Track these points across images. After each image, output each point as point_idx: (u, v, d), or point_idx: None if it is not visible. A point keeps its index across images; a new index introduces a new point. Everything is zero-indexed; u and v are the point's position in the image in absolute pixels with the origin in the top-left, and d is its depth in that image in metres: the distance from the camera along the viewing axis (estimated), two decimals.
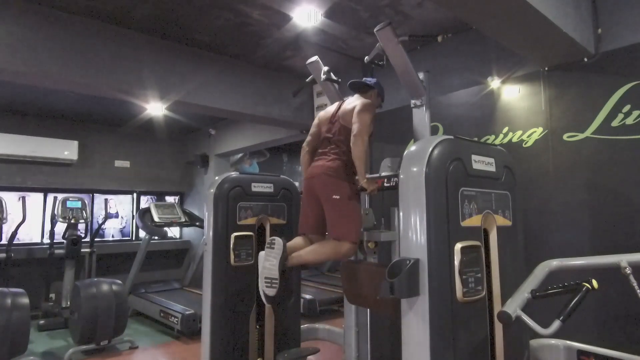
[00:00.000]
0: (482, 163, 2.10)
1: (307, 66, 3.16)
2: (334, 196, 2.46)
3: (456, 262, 1.86)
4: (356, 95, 2.72)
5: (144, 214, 6.26)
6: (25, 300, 3.79)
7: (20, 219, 5.46)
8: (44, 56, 3.38)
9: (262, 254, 2.49)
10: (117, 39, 3.76)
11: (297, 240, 2.66)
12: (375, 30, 2.52)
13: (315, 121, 2.84)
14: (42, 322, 5.34)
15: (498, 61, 3.47)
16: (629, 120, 2.76)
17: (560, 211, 3.03)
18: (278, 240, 2.45)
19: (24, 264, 5.97)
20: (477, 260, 1.95)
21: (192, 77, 4.21)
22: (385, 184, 2.63)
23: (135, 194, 7.54)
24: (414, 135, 2.74)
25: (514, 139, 3.32)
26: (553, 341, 2.58)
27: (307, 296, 5.76)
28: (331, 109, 2.78)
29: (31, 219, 5.91)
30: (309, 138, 2.83)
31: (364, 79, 2.79)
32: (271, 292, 2.42)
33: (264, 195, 3.34)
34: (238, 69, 4.58)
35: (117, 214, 7.37)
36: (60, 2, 3.35)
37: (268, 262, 2.43)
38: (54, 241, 5.72)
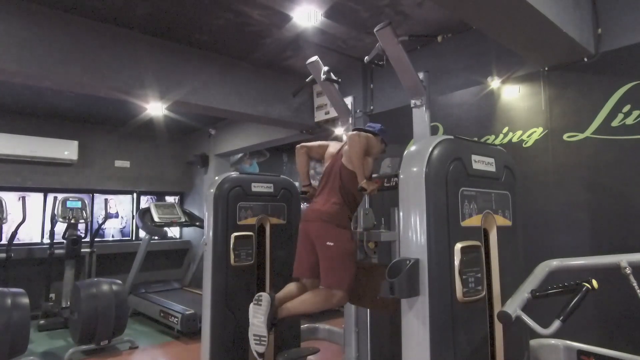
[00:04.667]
0: (482, 163, 2.10)
1: (307, 66, 3.16)
2: (328, 243, 2.45)
3: (456, 262, 1.86)
4: None
5: (144, 214, 6.26)
6: (25, 300, 3.79)
7: (20, 219, 5.46)
8: (44, 56, 3.38)
9: (251, 311, 2.45)
10: (117, 39, 3.76)
11: (290, 288, 2.63)
12: (375, 30, 2.53)
13: (325, 143, 2.86)
14: (42, 322, 5.34)
15: (498, 61, 3.47)
16: (629, 120, 2.75)
17: (560, 211, 3.02)
18: (265, 296, 2.41)
19: (24, 264, 5.97)
20: (477, 260, 1.95)
21: (192, 77, 4.21)
22: (385, 184, 2.64)
23: (135, 194, 7.54)
24: (414, 135, 2.74)
25: (514, 139, 3.32)
26: (553, 341, 2.58)
27: None
28: (337, 146, 2.81)
29: (31, 219, 5.91)
30: (308, 144, 2.84)
31: (367, 125, 2.83)
32: (260, 349, 2.39)
33: (264, 195, 3.34)
34: (238, 69, 4.58)
35: (117, 214, 7.37)
36: (60, 2, 3.35)
37: (256, 319, 2.39)
38: (54, 241, 5.71)
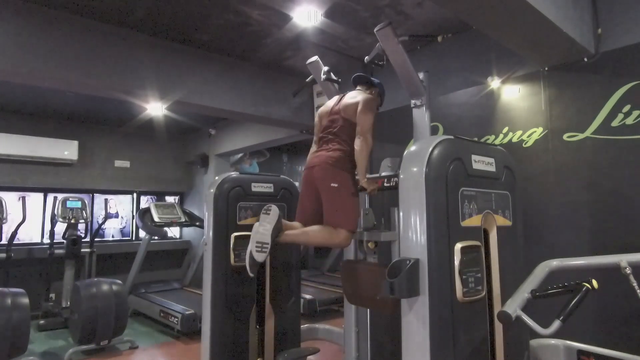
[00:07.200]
0: (482, 163, 2.10)
1: (307, 66, 3.16)
2: (332, 184, 2.45)
3: (456, 262, 1.86)
4: (357, 89, 2.72)
5: (144, 214, 6.26)
6: (25, 300, 3.79)
7: (20, 219, 5.46)
8: (44, 56, 3.38)
9: (256, 224, 2.43)
10: (117, 39, 3.76)
11: (294, 223, 2.64)
12: (375, 30, 2.52)
13: (316, 119, 2.83)
14: (42, 322, 5.34)
15: (498, 61, 3.47)
16: (629, 120, 2.75)
17: (560, 211, 3.02)
18: (274, 208, 2.41)
19: (24, 264, 5.97)
20: (477, 260, 1.95)
21: (192, 77, 4.21)
22: (385, 184, 2.63)
23: (135, 194, 7.54)
24: (414, 135, 2.74)
25: (514, 139, 3.32)
26: (553, 341, 2.58)
27: (307, 296, 5.76)
28: (330, 102, 2.77)
29: (31, 219, 5.91)
30: (315, 138, 2.83)
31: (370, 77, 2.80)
32: (260, 257, 2.35)
33: (264, 195, 3.33)
34: (238, 69, 4.58)
35: (117, 214, 7.36)
36: (60, 2, 3.35)
37: (262, 227, 2.37)
38: (54, 241, 5.72)
